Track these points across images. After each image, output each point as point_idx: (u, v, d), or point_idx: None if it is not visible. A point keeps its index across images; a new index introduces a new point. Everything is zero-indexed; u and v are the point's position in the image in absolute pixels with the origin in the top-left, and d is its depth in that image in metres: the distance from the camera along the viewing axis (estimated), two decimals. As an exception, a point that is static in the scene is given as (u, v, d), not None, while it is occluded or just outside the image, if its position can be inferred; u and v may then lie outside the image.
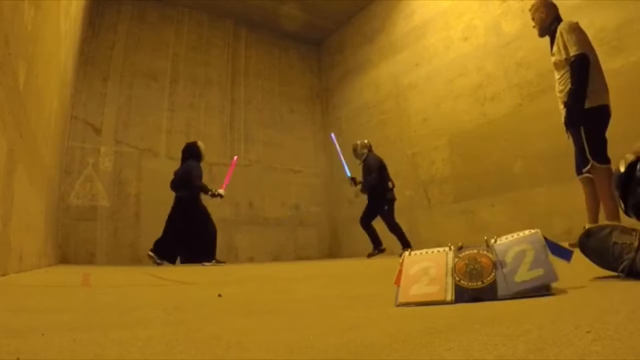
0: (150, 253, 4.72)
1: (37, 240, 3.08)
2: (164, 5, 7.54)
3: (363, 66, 7.89)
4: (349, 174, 5.84)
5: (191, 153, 5.14)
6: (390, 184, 5.41)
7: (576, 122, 2.93)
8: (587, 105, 2.88)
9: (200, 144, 5.32)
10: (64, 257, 5.60)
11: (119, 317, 0.88)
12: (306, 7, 7.90)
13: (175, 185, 5.01)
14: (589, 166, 2.87)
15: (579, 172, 2.99)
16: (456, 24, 6.03)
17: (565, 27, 3.01)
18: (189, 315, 0.90)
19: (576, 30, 2.98)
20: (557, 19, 3.17)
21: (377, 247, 5.42)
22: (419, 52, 6.63)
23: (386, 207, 5.37)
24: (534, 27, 3.35)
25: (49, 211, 3.77)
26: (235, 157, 6.39)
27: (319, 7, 7.93)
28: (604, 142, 2.88)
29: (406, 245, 5.13)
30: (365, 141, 5.71)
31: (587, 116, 2.89)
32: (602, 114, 2.91)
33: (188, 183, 4.93)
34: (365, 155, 5.54)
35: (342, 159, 6.13)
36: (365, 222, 5.47)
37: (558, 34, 3.03)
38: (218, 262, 4.81)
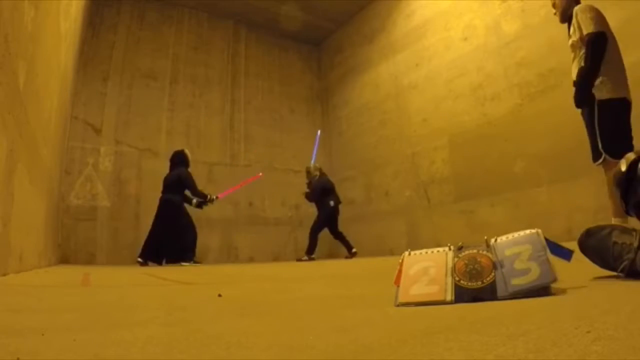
0: (139, 259, 4.98)
1: (37, 240, 3.08)
2: (164, 5, 7.53)
3: (363, 66, 7.89)
4: (313, 162, 6.73)
5: (181, 160, 5.45)
6: (332, 203, 6.30)
7: (582, 101, 2.82)
8: (604, 96, 2.76)
9: (187, 151, 5.65)
10: (64, 257, 5.60)
11: (119, 317, 0.88)
12: (306, 7, 7.89)
13: (169, 188, 5.30)
14: (601, 159, 2.75)
15: (594, 160, 2.86)
16: (456, 24, 6.02)
17: (582, 7, 2.93)
18: (189, 315, 0.90)
19: (593, 10, 2.89)
20: (576, 1, 3.09)
21: (309, 255, 6.15)
22: (419, 52, 6.62)
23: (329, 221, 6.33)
24: (554, 14, 3.25)
25: (49, 211, 3.77)
26: (260, 175, 6.88)
27: (319, 7, 7.93)
28: (620, 135, 2.74)
29: (350, 248, 6.11)
30: (318, 165, 6.77)
31: (602, 108, 2.77)
32: (619, 107, 2.77)
33: (181, 188, 5.31)
34: (316, 177, 6.51)
35: (315, 152, 6.94)
36: (315, 232, 6.29)
37: (574, 15, 2.95)
38: (196, 262, 5.14)
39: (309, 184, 6.57)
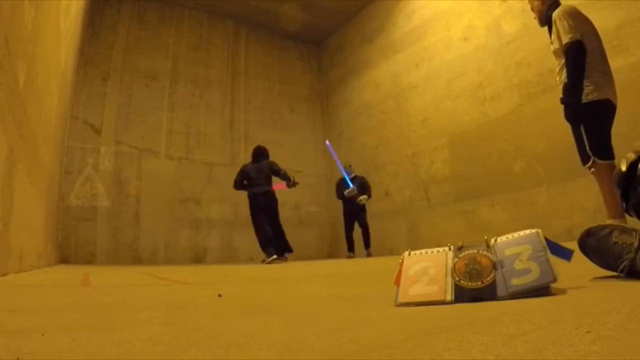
0: (274, 255, 4.96)
1: (37, 240, 3.08)
2: (164, 5, 7.53)
3: (363, 66, 7.89)
4: (351, 185, 6.31)
5: (263, 153, 5.67)
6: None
7: (576, 118, 2.80)
8: (587, 99, 2.72)
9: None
10: (64, 257, 5.60)
11: (119, 317, 0.88)
12: (306, 7, 7.89)
13: (263, 179, 5.40)
14: (590, 162, 2.72)
15: (583, 163, 2.83)
16: (456, 24, 6.02)
17: (559, 13, 2.85)
18: (189, 315, 0.90)
19: (571, 15, 2.81)
20: (555, 5, 2.99)
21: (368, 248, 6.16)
22: (419, 52, 6.62)
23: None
24: (534, 18, 3.19)
25: (49, 211, 3.77)
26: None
27: (319, 7, 7.93)
28: (605, 137, 2.70)
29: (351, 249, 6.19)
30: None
31: (586, 110, 2.73)
32: (603, 108, 2.73)
33: (270, 179, 5.46)
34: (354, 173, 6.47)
35: (342, 168, 6.57)
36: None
37: (553, 21, 2.88)
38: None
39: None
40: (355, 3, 7.83)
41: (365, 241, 6.13)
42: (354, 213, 6.28)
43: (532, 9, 3.16)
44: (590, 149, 2.72)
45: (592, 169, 2.77)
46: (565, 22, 2.80)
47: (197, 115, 7.46)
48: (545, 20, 3.04)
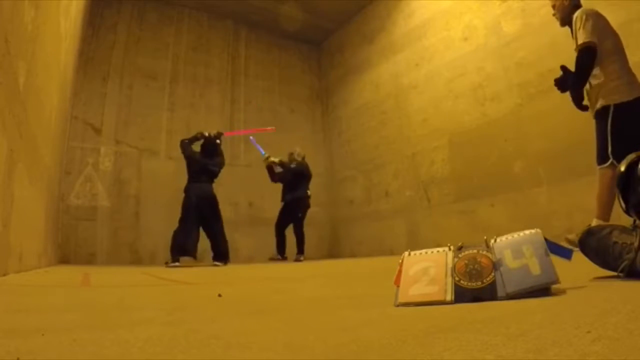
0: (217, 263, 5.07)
1: (37, 240, 3.08)
2: (164, 5, 7.53)
3: (363, 66, 7.89)
4: (263, 153, 6.27)
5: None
6: (308, 192, 6.01)
7: (582, 106, 2.86)
8: (619, 99, 2.71)
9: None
10: (64, 257, 5.60)
11: (119, 317, 0.88)
12: (306, 7, 7.89)
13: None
14: (607, 163, 2.70)
15: (599, 163, 2.81)
16: (456, 24, 6.02)
17: (578, 15, 2.86)
18: (189, 315, 0.90)
19: (591, 17, 2.81)
20: (577, 6, 3.00)
21: (282, 254, 5.92)
22: (419, 52, 6.62)
23: (300, 214, 5.93)
24: (553, 14, 3.16)
25: (49, 211, 3.77)
26: (273, 128, 6.74)
27: (319, 7, 7.93)
28: (633, 141, 2.58)
29: (300, 252, 5.77)
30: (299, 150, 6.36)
31: (615, 112, 2.71)
32: (636, 107, 2.69)
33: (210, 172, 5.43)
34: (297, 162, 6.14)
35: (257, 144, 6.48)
36: (281, 228, 6.02)
37: (573, 22, 2.89)
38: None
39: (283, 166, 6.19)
40: (355, 3, 7.82)
41: (297, 245, 5.79)
42: (294, 208, 5.96)
43: (554, 7, 3.12)
44: (612, 151, 2.69)
45: (602, 168, 2.76)
46: (582, 24, 2.80)
47: (197, 115, 7.46)
48: (567, 20, 3.02)
